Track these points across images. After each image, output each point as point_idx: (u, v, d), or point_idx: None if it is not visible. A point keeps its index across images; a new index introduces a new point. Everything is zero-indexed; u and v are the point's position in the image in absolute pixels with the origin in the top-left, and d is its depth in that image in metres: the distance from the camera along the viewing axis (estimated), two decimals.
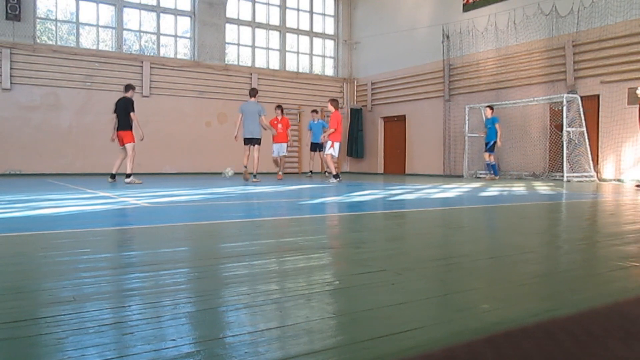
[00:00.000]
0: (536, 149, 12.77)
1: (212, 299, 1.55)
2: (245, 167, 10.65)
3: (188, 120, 15.72)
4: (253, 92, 10.73)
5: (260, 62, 17.62)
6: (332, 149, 10.52)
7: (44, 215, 3.95)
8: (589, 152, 11.47)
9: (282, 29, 17.94)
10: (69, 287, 1.67)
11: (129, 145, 9.28)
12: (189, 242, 2.81)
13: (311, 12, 18.68)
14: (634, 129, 10.53)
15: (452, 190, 7.90)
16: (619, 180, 11.25)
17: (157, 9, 15.72)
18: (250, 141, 10.46)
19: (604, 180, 11.42)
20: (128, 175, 9.13)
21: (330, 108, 10.58)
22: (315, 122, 13.35)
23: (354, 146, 18.57)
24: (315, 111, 13.58)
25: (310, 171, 14.01)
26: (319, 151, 13.21)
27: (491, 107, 12.64)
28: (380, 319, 1.34)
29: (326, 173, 13.42)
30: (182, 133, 15.51)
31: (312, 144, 13.50)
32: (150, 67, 15.19)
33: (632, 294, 1.62)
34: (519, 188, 8.47)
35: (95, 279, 1.80)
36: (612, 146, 11.51)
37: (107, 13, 15.14)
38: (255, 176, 10.43)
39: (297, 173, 17.44)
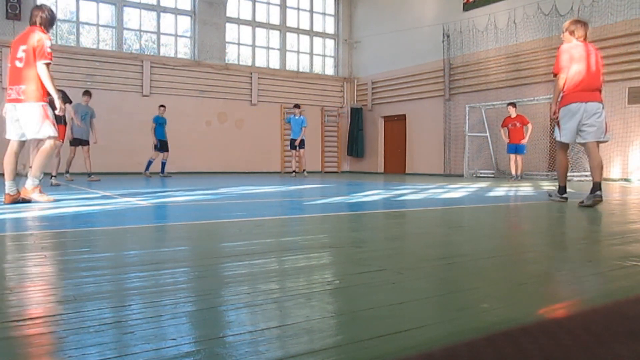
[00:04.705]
0: (536, 149, 12.76)
1: (212, 298, 1.55)
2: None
3: (188, 120, 15.71)
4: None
5: (260, 62, 17.62)
6: None
7: (44, 215, 3.95)
8: None
9: (283, 28, 17.93)
10: (69, 287, 1.67)
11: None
12: (189, 242, 2.81)
13: (311, 12, 18.68)
14: (637, 129, 10.47)
15: (460, 190, 7.89)
16: (626, 179, 11.20)
17: (157, 8, 15.72)
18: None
19: (609, 180, 11.35)
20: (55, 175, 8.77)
21: None
22: (297, 117, 13.21)
23: (354, 145, 18.56)
24: (297, 106, 13.54)
25: (294, 171, 13.86)
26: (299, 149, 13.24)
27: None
28: (380, 318, 1.34)
29: (305, 172, 13.77)
30: (183, 132, 15.49)
31: (291, 140, 13.55)
32: (151, 67, 15.18)
33: (632, 293, 1.62)
34: (522, 188, 8.46)
35: (96, 278, 1.80)
36: (615, 146, 11.47)
37: (107, 12, 15.15)
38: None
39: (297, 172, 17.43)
